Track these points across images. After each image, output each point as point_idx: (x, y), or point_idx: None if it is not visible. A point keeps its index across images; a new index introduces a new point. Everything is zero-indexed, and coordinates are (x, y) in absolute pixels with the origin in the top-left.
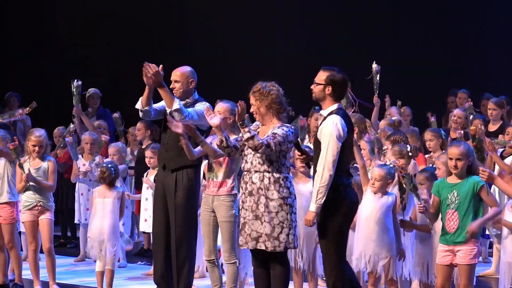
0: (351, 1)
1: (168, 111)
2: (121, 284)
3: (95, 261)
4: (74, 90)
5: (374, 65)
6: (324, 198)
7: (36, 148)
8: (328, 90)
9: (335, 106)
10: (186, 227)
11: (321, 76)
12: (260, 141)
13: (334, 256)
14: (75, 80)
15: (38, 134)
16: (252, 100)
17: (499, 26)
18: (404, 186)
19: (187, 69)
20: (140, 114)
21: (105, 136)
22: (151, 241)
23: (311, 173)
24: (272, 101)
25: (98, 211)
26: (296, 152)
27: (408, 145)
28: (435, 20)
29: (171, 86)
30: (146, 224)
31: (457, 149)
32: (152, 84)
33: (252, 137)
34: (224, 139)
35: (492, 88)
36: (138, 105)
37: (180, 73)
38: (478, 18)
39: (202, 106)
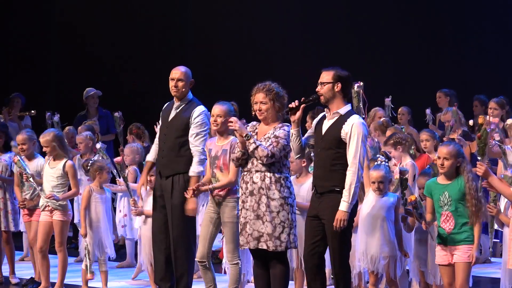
0: (351, 1)
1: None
2: (122, 284)
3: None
4: (55, 123)
5: (387, 100)
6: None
7: (44, 149)
8: (338, 87)
9: (349, 107)
10: (184, 228)
11: (326, 75)
12: (265, 150)
13: (347, 253)
14: (50, 113)
15: (43, 134)
16: (263, 99)
17: (499, 25)
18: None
19: (186, 68)
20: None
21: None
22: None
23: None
24: (282, 103)
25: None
26: None
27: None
28: (434, 20)
29: (173, 85)
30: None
31: (445, 148)
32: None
33: (257, 148)
34: (244, 153)
35: (492, 88)
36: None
37: (182, 72)
38: (478, 18)
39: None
